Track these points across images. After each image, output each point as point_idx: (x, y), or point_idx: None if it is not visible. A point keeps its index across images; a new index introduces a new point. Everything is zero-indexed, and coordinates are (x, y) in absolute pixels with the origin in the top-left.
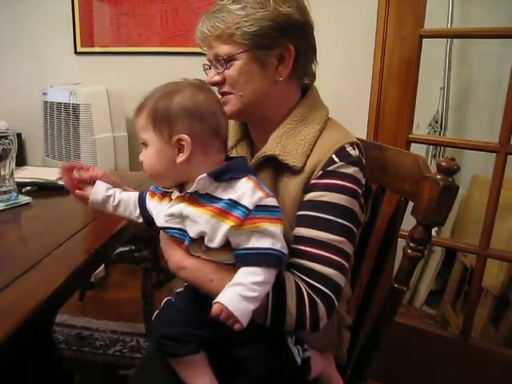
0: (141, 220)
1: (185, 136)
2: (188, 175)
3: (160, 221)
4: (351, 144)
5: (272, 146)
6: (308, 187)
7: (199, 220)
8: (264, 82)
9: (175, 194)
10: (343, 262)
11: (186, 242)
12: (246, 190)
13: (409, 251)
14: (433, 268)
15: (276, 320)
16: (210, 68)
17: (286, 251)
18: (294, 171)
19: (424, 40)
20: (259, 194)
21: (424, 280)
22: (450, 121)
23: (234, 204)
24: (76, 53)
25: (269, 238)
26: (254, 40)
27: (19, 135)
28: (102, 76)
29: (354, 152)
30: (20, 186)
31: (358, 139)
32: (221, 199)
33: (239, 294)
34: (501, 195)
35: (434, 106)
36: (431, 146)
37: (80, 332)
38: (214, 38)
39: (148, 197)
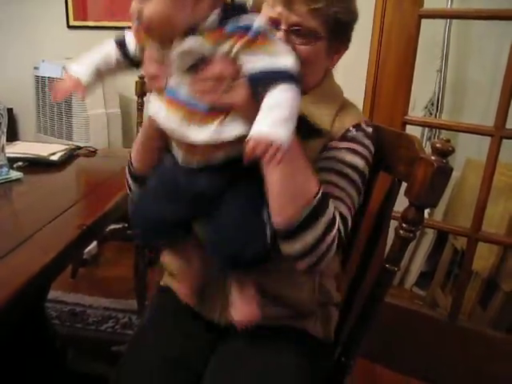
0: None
1: None
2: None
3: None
4: (366, 122)
5: (303, 108)
6: (327, 148)
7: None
8: (320, 68)
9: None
10: (352, 208)
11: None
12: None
13: (401, 232)
14: (424, 250)
15: (304, 224)
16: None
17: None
18: (318, 134)
19: (423, 21)
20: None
21: (415, 261)
22: (447, 104)
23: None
24: (69, 27)
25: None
26: (339, 31)
27: (10, 110)
28: None
29: (369, 129)
30: (11, 161)
31: None
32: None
33: (276, 117)
34: (495, 180)
35: (430, 89)
36: (426, 129)
37: (73, 308)
38: (307, 10)
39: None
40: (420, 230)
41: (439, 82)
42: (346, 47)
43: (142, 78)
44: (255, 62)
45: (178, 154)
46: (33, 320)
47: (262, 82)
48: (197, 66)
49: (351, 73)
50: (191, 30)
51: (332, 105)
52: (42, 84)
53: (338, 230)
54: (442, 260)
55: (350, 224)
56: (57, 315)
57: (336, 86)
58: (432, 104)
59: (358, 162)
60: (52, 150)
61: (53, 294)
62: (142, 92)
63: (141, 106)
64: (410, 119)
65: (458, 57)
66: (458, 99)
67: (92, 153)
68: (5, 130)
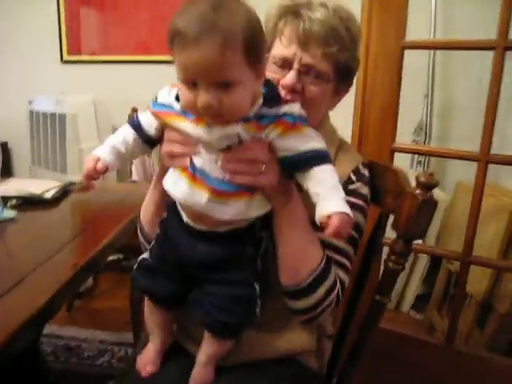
0: (143, 144)
1: (264, 62)
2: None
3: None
4: (363, 164)
5: None
6: None
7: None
8: (323, 109)
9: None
10: (350, 267)
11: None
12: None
13: (390, 264)
14: (419, 273)
15: (313, 283)
16: (281, 67)
17: None
18: None
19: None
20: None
21: (411, 285)
22: (435, 127)
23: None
24: (62, 61)
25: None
26: (346, 75)
27: (5, 144)
28: (89, 84)
29: (366, 172)
30: (5, 199)
31: None
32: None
33: (341, 197)
34: (484, 202)
35: (418, 113)
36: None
37: (68, 343)
38: (321, 54)
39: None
40: (412, 256)
41: (427, 107)
42: (348, 91)
43: (134, 110)
44: (292, 146)
45: (183, 213)
46: (26, 357)
47: (301, 164)
48: (230, 147)
49: (338, 104)
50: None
51: (330, 148)
52: (37, 118)
53: (338, 293)
54: (438, 282)
55: (346, 286)
56: (51, 350)
57: (332, 127)
58: (421, 128)
59: (359, 217)
60: (45, 186)
61: (48, 328)
62: None
63: None
64: (398, 147)
65: (444, 81)
66: (446, 122)
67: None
68: None
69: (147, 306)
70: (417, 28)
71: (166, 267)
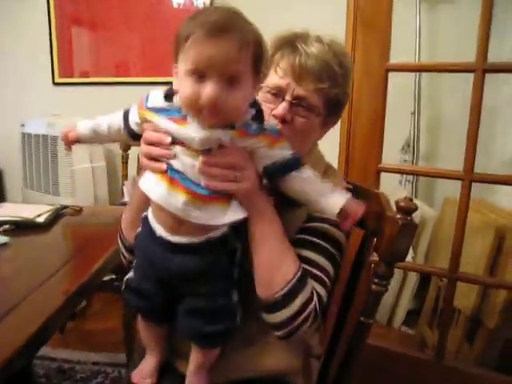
0: (127, 134)
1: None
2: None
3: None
4: (347, 188)
5: None
6: (313, 217)
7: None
8: (311, 139)
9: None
10: (328, 283)
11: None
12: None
13: (373, 286)
14: (409, 289)
15: (288, 294)
16: (274, 95)
17: None
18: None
19: None
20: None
21: (401, 300)
22: (422, 144)
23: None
24: (54, 83)
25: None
26: (336, 110)
27: None
28: (80, 106)
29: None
30: None
31: None
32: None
33: (332, 188)
34: (471, 217)
35: (405, 131)
36: None
37: (61, 365)
38: (314, 88)
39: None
40: (402, 272)
41: (414, 124)
42: (336, 123)
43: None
44: (273, 156)
45: (158, 226)
46: (19, 380)
47: (282, 170)
48: (209, 150)
49: None
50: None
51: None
52: (29, 141)
53: (314, 307)
54: (428, 298)
55: (325, 300)
56: (44, 373)
57: (319, 153)
58: (408, 145)
59: (340, 236)
60: (38, 211)
61: (41, 350)
62: (126, 146)
63: (125, 160)
64: (384, 167)
65: (431, 98)
66: (433, 139)
67: (77, 212)
68: None
69: (140, 321)
70: (402, 47)
71: (148, 283)
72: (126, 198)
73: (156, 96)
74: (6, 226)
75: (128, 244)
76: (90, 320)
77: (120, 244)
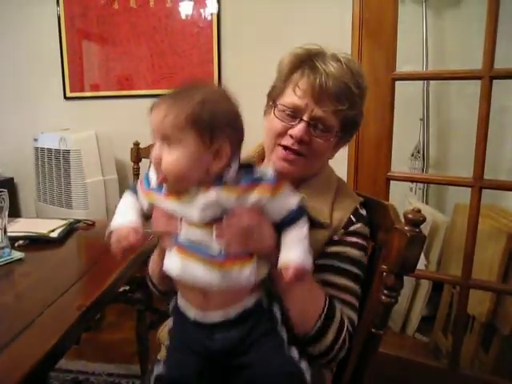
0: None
1: (226, 145)
2: (211, 178)
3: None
4: (360, 204)
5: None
6: (333, 241)
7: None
8: (324, 158)
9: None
10: (357, 304)
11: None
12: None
13: (383, 298)
14: (423, 295)
15: (321, 327)
16: (290, 115)
17: None
18: (321, 226)
19: None
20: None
21: (415, 308)
22: (432, 150)
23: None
24: (65, 98)
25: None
26: (351, 130)
27: (11, 179)
28: (91, 119)
29: (364, 212)
30: (12, 239)
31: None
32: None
33: (305, 249)
34: (482, 223)
35: (415, 137)
36: None
37: (76, 376)
38: (332, 110)
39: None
40: (415, 280)
41: (423, 130)
42: (349, 142)
43: (136, 144)
44: (280, 208)
45: (190, 311)
46: None
47: (288, 223)
48: (218, 218)
49: None
50: (211, 182)
51: (329, 194)
52: (42, 154)
53: (348, 330)
54: (441, 304)
55: (356, 322)
56: None
57: (330, 169)
58: (418, 151)
59: (362, 256)
60: (51, 226)
61: None
62: (137, 158)
63: (137, 171)
64: (393, 175)
65: (439, 104)
66: (443, 145)
67: (90, 226)
68: (6, 214)
69: None
70: (409, 53)
71: (188, 372)
72: None
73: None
74: (21, 242)
75: (160, 290)
76: (104, 331)
77: (151, 287)
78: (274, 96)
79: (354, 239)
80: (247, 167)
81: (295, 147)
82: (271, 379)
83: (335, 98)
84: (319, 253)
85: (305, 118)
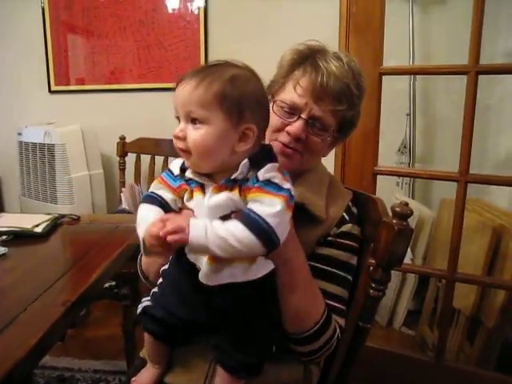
0: None
1: (254, 127)
2: (233, 162)
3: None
4: (351, 201)
5: (301, 196)
6: (327, 241)
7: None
8: (320, 156)
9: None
10: (345, 309)
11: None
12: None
13: (371, 291)
14: (409, 289)
15: (316, 332)
16: (289, 112)
17: (280, 236)
18: (316, 221)
19: None
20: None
21: (401, 301)
22: (419, 145)
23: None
24: (50, 91)
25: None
26: (348, 130)
27: None
28: (76, 113)
29: (355, 209)
30: None
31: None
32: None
33: (211, 230)
34: (468, 217)
35: (402, 132)
36: None
37: (61, 374)
38: (331, 109)
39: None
40: (401, 273)
41: (410, 125)
42: (343, 141)
43: (122, 138)
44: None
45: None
46: None
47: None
48: (227, 215)
49: None
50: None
51: (323, 189)
52: (26, 149)
53: (337, 338)
54: (427, 298)
55: (344, 327)
56: (45, 382)
57: (322, 167)
58: (405, 146)
59: (352, 258)
60: (36, 221)
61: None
62: (123, 152)
63: (123, 166)
64: (380, 170)
65: (426, 99)
66: (429, 140)
67: (75, 220)
68: None
69: (148, 338)
70: (396, 48)
71: (174, 319)
72: (124, 205)
73: (175, 164)
74: (5, 237)
75: (151, 281)
76: (89, 328)
77: (146, 283)
78: (273, 91)
79: (347, 242)
80: (262, 157)
81: (291, 145)
82: (251, 346)
83: (335, 98)
84: (312, 249)
85: (303, 115)
